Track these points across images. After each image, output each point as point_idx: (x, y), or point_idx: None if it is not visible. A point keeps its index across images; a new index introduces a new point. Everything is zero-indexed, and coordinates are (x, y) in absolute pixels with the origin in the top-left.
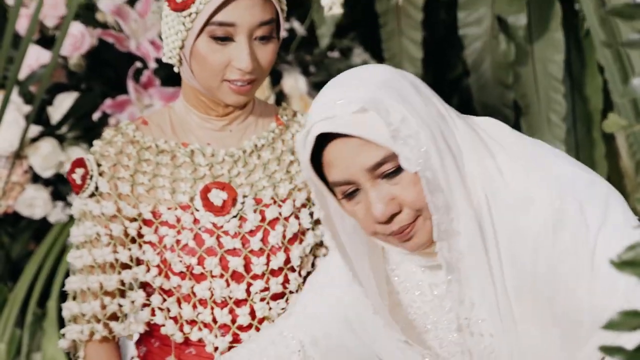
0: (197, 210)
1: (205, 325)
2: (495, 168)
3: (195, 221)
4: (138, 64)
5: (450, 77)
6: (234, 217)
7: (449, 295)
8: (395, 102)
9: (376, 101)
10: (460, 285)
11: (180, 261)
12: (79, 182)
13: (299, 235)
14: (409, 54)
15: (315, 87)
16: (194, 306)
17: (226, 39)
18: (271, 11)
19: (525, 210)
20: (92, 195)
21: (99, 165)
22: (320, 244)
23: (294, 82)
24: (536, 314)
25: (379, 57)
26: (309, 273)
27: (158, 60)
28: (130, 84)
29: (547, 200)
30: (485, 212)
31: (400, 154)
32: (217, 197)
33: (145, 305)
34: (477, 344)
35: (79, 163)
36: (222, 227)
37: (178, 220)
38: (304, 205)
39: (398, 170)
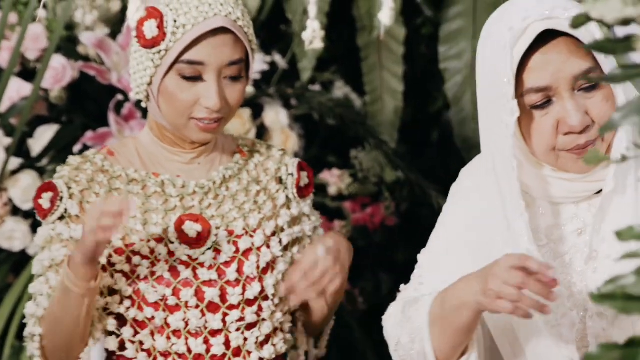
0: (172, 242)
1: (180, 355)
2: None
3: (170, 254)
4: (119, 97)
5: (431, 111)
6: (209, 249)
7: (588, 229)
8: None
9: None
10: (603, 216)
11: (155, 292)
12: (47, 205)
13: (271, 264)
14: (390, 88)
15: (297, 120)
16: (168, 337)
17: (195, 78)
18: (241, 51)
19: None
20: (61, 217)
21: (68, 188)
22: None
23: (275, 115)
24: None
25: (360, 91)
26: (281, 300)
27: None
28: (112, 117)
29: None
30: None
31: (606, 65)
32: (192, 229)
33: (112, 333)
34: (595, 282)
35: (47, 187)
36: (197, 259)
37: (152, 252)
38: (273, 234)
39: (595, 85)
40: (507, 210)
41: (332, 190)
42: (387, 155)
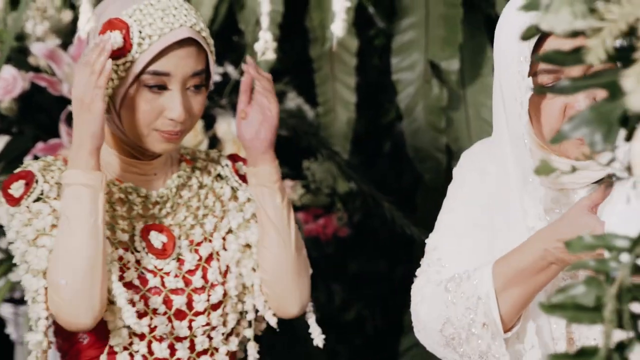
0: (138, 251)
1: (140, 355)
2: None
3: (137, 262)
4: (70, 108)
5: (384, 122)
6: (173, 259)
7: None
8: None
9: None
10: (603, 204)
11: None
12: (20, 192)
13: (230, 266)
14: (342, 99)
15: None
16: (130, 337)
17: (159, 89)
18: (203, 61)
19: None
20: (37, 199)
21: (43, 176)
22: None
23: (227, 126)
24: None
25: (312, 102)
26: (244, 286)
27: None
28: (63, 128)
29: None
30: None
31: None
32: (157, 239)
33: None
34: None
35: (18, 176)
36: (162, 269)
37: (120, 259)
38: (228, 232)
39: None
40: (517, 188)
41: None
42: (340, 166)
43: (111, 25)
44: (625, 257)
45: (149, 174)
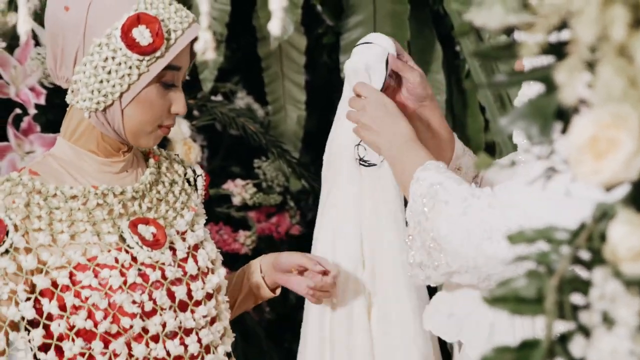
0: (132, 247)
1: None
2: None
3: (134, 259)
4: (18, 111)
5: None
6: (167, 248)
7: None
8: None
9: None
10: None
11: (132, 301)
12: None
13: (217, 257)
14: (292, 97)
15: (199, 131)
16: (147, 344)
17: (173, 84)
18: None
19: None
20: (5, 252)
21: (9, 219)
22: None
23: (177, 127)
24: None
25: (262, 100)
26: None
27: (38, 107)
28: (10, 131)
29: None
30: None
31: None
32: (147, 231)
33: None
34: None
35: None
36: (159, 260)
37: (116, 261)
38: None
39: None
40: None
41: (236, 200)
42: (291, 164)
43: (139, 19)
44: (565, 249)
45: (122, 172)
